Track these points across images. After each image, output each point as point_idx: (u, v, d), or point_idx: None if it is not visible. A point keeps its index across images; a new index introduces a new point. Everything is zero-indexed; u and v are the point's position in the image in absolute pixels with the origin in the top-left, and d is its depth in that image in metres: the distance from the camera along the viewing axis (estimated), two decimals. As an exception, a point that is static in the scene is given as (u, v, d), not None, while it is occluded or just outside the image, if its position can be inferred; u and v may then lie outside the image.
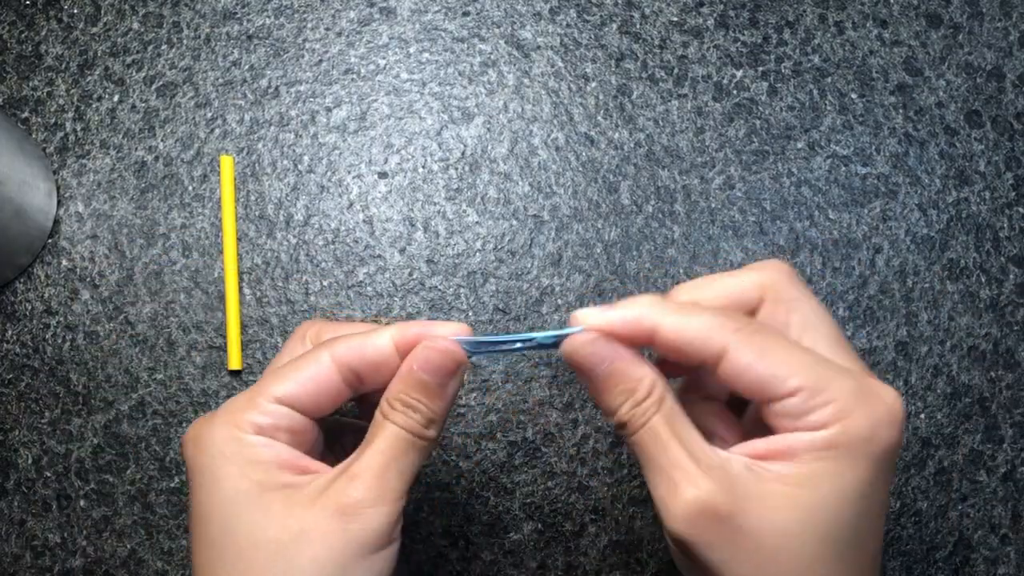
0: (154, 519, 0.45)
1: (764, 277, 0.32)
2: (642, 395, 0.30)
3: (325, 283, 0.46)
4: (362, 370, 0.32)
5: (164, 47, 0.49)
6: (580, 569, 0.44)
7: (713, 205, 0.47)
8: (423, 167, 0.47)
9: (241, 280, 0.46)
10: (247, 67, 0.48)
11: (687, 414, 0.31)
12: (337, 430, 0.36)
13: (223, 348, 0.46)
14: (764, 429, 0.30)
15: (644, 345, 0.31)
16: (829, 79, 0.48)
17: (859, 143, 0.48)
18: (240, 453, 0.30)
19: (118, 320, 0.46)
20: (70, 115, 0.48)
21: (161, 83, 0.48)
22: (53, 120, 0.48)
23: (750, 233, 0.47)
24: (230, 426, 0.31)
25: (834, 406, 0.28)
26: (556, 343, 0.31)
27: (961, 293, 0.46)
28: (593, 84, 0.48)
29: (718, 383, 0.32)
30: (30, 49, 0.49)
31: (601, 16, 0.49)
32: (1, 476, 0.45)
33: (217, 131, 0.48)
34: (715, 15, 0.49)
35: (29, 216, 0.45)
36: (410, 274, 0.47)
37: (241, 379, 0.46)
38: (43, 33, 0.49)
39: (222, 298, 0.46)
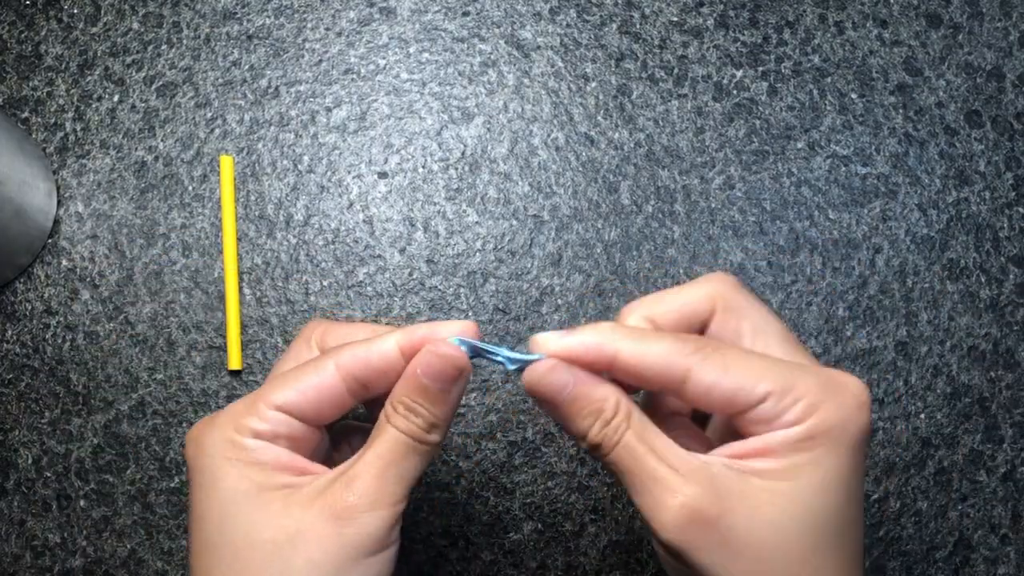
0: (154, 519, 0.45)
1: (712, 289, 0.32)
2: (610, 414, 0.30)
3: (325, 283, 0.46)
4: (368, 378, 0.31)
5: (164, 47, 0.49)
6: (580, 569, 0.44)
7: (713, 205, 0.47)
8: (423, 167, 0.47)
9: (241, 280, 0.46)
10: (247, 67, 0.48)
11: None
12: (346, 430, 0.36)
13: (223, 348, 0.46)
14: (732, 437, 0.31)
15: (603, 371, 0.31)
16: (829, 79, 0.48)
17: (859, 143, 0.48)
18: (239, 455, 0.30)
19: (118, 320, 0.46)
20: (70, 115, 0.48)
21: (161, 83, 0.48)
22: (53, 120, 0.48)
23: (750, 233, 0.47)
24: (230, 429, 0.31)
25: (804, 402, 0.29)
26: (520, 368, 0.31)
27: (961, 293, 0.46)
28: (593, 84, 0.48)
29: (685, 403, 0.32)
30: (30, 49, 0.49)
31: (601, 16, 0.49)
32: (1, 476, 0.45)
33: (217, 131, 0.48)
34: (715, 15, 0.49)
35: (29, 216, 0.45)
36: (410, 274, 0.47)
37: (241, 379, 0.46)
38: (43, 33, 0.49)
39: (222, 298, 0.46)
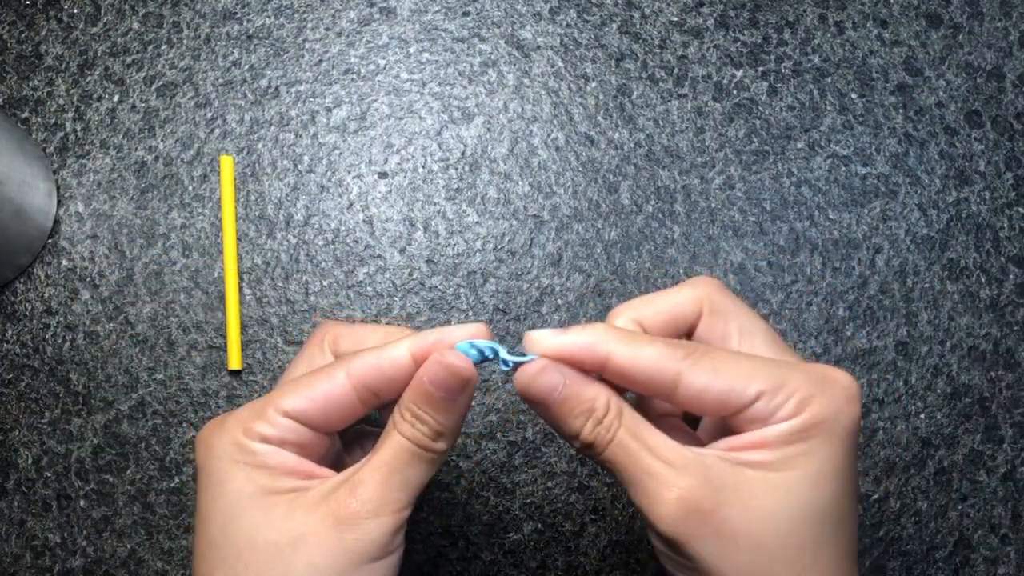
0: (154, 519, 0.45)
1: (699, 292, 0.33)
2: (601, 412, 0.30)
3: (325, 283, 0.46)
4: (379, 386, 0.31)
5: (164, 47, 0.49)
6: (580, 569, 0.44)
7: (713, 205, 0.47)
8: (423, 167, 0.47)
9: (241, 280, 0.46)
10: (247, 67, 0.48)
11: None
12: (359, 435, 0.36)
13: (223, 348, 0.46)
14: (724, 436, 0.31)
15: (594, 371, 0.31)
16: (829, 79, 0.48)
17: (859, 143, 0.48)
18: (247, 458, 0.30)
19: (118, 320, 0.46)
20: (70, 115, 0.48)
21: (161, 83, 0.48)
22: (53, 120, 0.48)
23: (750, 233, 0.47)
24: (239, 432, 0.31)
25: (796, 397, 0.29)
26: (513, 368, 0.31)
27: (961, 293, 0.46)
28: (593, 84, 0.48)
29: (677, 408, 0.32)
30: (30, 49, 0.49)
31: (601, 16, 0.49)
32: (1, 476, 0.45)
33: (217, 131, 0.48)
34: (715, 15, 0.49)
35: (29, 216, 0.45)
36: (410, 274, 0.47)
37: (241, 379, 0.46)
38: (43, 33, 0.49)
39: (222, 298, 0.46)
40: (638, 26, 0.49)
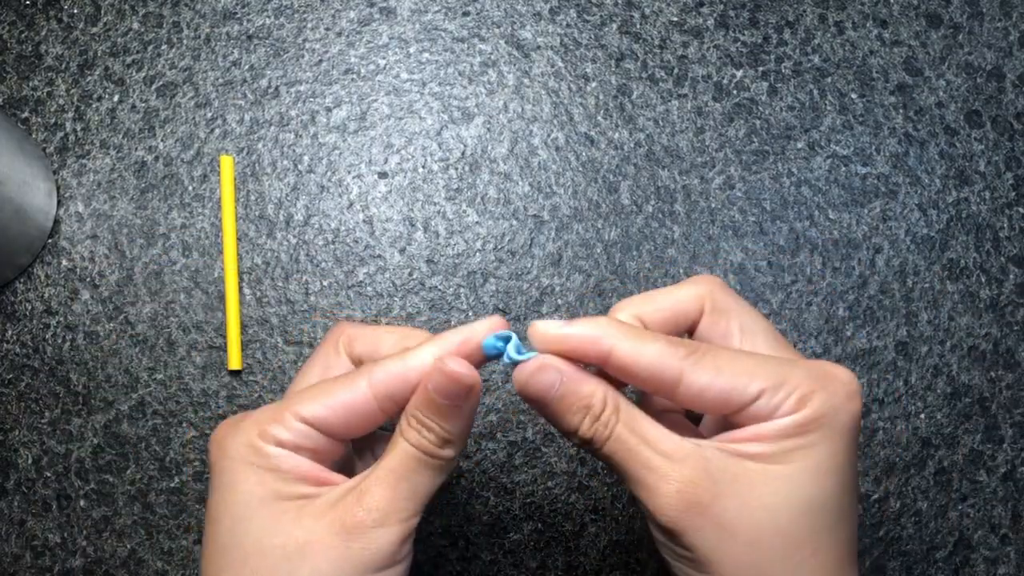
0: (154, 519, 0.45)
1: (701, 290, 0.33)
2: (598, 408, 0.30)
3: (325, 283, 0.46)
4: (403, 395, 0.31)
5: (164, 47, 0.49)
6: (580, 569, 0.44)
7: (713, 205, 0.47)
8: (423, 167, 0.47)
9: (241, 280, 0.46)
10: (247, 67, 0.48)
11: None
12: (370, 439, 0.36)
13: (223, 348, 0.46)
14: (725, 431, 0.31)
15: (595, 365, 0.31)
16: (829, 79, 0.48)
17: (859, 143, 0.48)
18: (260, 461, 0.30)
19: (118, 320, 0.46)
20: (70, 115, 0.48)
21: (161, 83, 0.48)
22: (53, 120, 0.48)
23: (750, 233, 0.47)
24: (254, 434, 0.31)
25: (797, 393, 0.29)
26: (515, 363, 0.31)
27: (961, 293, 0.46)
28: (593, 84, 0.48)
29: (680, 406, 0.32)
30: (30, 49, 0.49)
31: (601, 16, 0.49)
32: (1, 476, 0.45)
33: (217, 131, 0.48)
34: (715, 15, 0.49)
35: (29, 216, 0.45)
36: (410, 274, 0.47)
37: (241, 379, 0.46)
38: (43, 33, 0.49)
39: (222, 298, 0.46)
40: (638, 26, 0.49)
